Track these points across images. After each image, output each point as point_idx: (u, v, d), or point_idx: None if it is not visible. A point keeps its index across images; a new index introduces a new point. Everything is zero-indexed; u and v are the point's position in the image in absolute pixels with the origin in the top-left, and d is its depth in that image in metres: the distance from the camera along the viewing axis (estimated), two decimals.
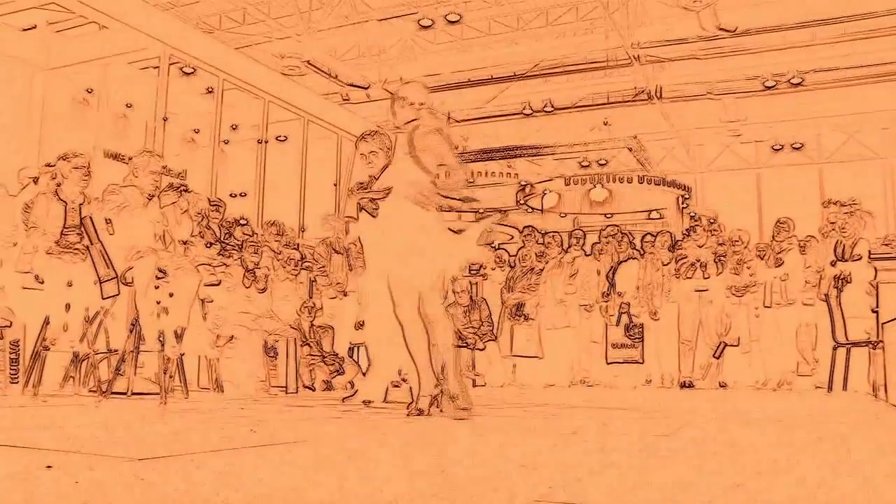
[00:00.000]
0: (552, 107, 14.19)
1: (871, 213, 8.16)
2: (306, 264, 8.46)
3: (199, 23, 12.52)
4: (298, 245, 8.78)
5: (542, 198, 14.90)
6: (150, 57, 10.57)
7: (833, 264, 8.08)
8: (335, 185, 13.69)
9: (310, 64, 12.32)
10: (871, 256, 7.27)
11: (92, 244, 5.66)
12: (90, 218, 5.73)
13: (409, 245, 4.69)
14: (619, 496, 1.99)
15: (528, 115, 14.39)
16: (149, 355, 5.83)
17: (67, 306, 5.56)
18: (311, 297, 8.31)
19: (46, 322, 5.58)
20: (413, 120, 4.64)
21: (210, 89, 11.51)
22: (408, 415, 4.49)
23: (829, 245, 8.25)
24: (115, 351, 5.74)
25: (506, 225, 15.27)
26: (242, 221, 8.61)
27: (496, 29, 13.68)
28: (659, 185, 14.74)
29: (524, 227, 10.61)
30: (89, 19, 9.87)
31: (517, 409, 5.48)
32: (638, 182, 14.61)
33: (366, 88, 13.51)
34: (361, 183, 5.29)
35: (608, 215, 14.71)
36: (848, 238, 8.06)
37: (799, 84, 12.60)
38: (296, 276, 8.08)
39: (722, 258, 9.16)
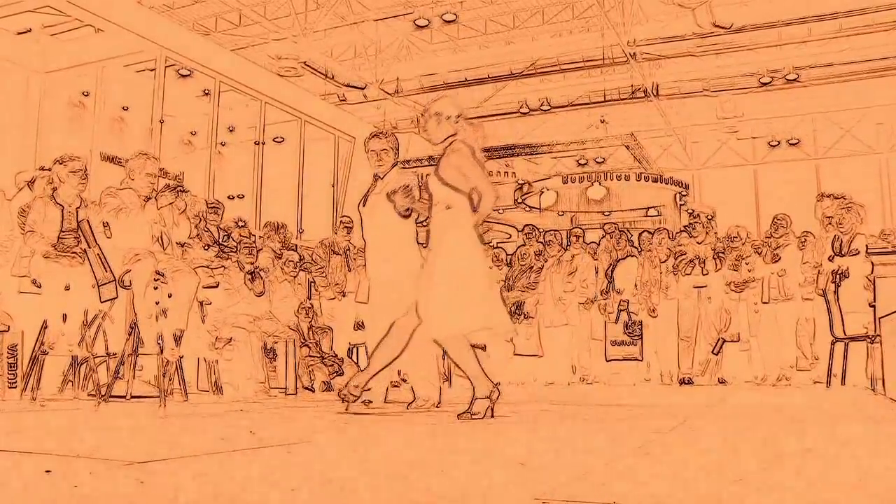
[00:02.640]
0: (549, 105, 14.21)
1: (862, 206, 8.16)
2: (305, 265, 8.46)
3: (196, 25, 12.53)
4: (297, 246, 8.78)
5: (540, 196, 14.92)
6: (146, 59, 10.56)
7: (831, 259, 8.09)
8: (332, 185, 13.69)
9: (306, 65, 12.32)
10: (869, 251, 7.28)
11: (89, 247, 5.65)
12: (87, 221, 5.72)
13: None
14: (618, 493, 1.99)
15: (525, 113, 14.41)
16: (148, 358, 5.83)
17: (64, 317, 5.55)
18: (309, 298, 8.31)
19: (44, 326, 5.57)
20: (452, 135, 4.65)
21: (206, 91, 11.50)
22: (458, 417, 4.44)
23: (827, 240, 8.26)
24: (114, 354, 5.74)
25: (504, 223, 15.30)
26: (240, 223, 8.61)
27: (492, 28, 13.70)
28: (656, 182, 14.76)
29: (524, 226, 10.62)
30: (85, 22, 9.86)
31: (517, 407, 5.48)
32: (635, 179, 14.63)
33: (362, 89, 13.51)
34: (407, 187, 5.34)
35: (606, 213, 14.73)
36: (846, 233, 8.07)
37: (794, 80, 12.62)
38: (294, 277, 8.08)
39: (721, 255, 9.17)
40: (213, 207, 8.04)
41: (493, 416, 4.32)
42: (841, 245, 8.05)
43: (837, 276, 7.87)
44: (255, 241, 7.93)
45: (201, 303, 6.41)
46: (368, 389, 5.01)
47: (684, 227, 10.06)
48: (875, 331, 7.06)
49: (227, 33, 12.83)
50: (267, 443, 3.11)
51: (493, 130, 16.17)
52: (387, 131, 5.76)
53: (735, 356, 9.06)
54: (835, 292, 7.86)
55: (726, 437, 3.47)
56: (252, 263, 7.49)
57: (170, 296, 5.66)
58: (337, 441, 3.26)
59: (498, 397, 4.40)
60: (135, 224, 5.81)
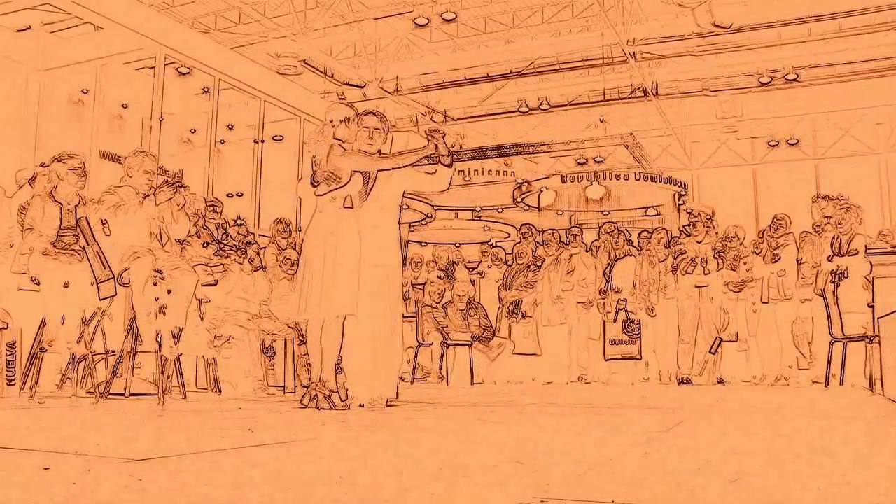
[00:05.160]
0: (548, 104, 14.20)
1: (859, 207, 8.17)
2: None
3: (195, 23, 12.51)
4: (295, 244, 8.77)
5: (539, 195, 14.91)
6: (145, 57, 10.55)
7: (830, 259, 8.09)
8: None
9: (306, 63, 12.31)
10: (868, 251, 7.29)
11: (88, 245, 5.65)
12: (86, 219, 5.72)
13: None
14: (616, 492, 1.99)
15: (524, 112, 14.40)
16: (146, 356, 5.83)
17: (63, 318, 5.55)
18: None
19: (43, 323, 5.57)
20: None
21: (206, 89, 11.50)
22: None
23: (826, 240, 8.26)
24: (113, 352, 5.74)
25: (502, 222, 15.31)
26: (239, 221, 8.61)
27: (492, 27, 13.68)
28: (655, 181, 14.76)
29: (521, 225, 10.62)
30: (84, 20, 9.85)
31: (514, 406, 5.48)
32: (634, 179, 14.63)
33: (362, 87, 13.50)
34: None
35: (605, 212, 14.73)
36: (845, 233, 8.07)
37: (794, 80, 12.61)
38: (293, 275, 8.08)
39: (721, 254, 9.17)
40: (213, 205, 8.04)
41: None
42: (840, 245, 8.06)
43: (836, 277, 7.88)
44: (254, 240, 7.93)
45: (200, 301, 6.41)
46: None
47: (683, 226, 10.06)
48: (874, 331, 7.06)
49: (227, 31, 12.82)
50: (265, 441, 3.11)
51: (493, 129, 16.19)
52: (382, 112, 5.53)
53: (734, 356, 9.06)
54: (834, 293, 7.87)
55: (725, 436, 3.47)
56: (252, 262, 7.49)
57: (169, 292, 5.66)
58: (335, 439, 3.26)
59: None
60: (133, 221, 5.82)
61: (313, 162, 5.17)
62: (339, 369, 5.20)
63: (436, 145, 5.13)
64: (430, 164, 5.32)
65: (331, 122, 5.22)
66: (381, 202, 5.25)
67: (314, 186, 5.11)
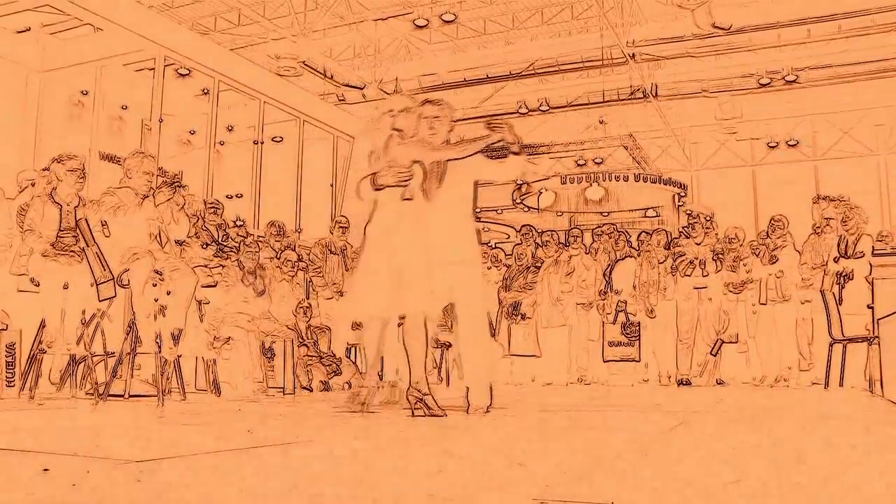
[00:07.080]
0: (548, 105, 14.21)
1: (859, 208, 8.17)
2: (303, 265, 8.46)
3: (195, 24, 12.52)
4: (295, 246, 8.78)
5: (539, 196, 14.92)
6: (145, 59, 10.55)
7: (836, 261, 8.08)
8: (331, 185, 13.68)
9: (305, 65, 12.32)
10: (873, 252, 7.29)
11: (88, 246, 5.65)
12: (85, 220, 5.72)
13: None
14: (616, 494, 1.99)
15: (523, 114, 14.40)
16: (146, 357, 5.83)
17: (63, 314, 5.55)
18: (307, 298, 8.31)
19: (42, 325, 5.57)
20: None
21: (205, 91, 11.50)
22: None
23: (825, 241, 8.26)
24: (112, 353, 5.74)
25: (502, 224, 15.31)
26: (239, 223, 8.62)
27: (491, 28, 13.70)
28: (655, 183, 14.77)
29: (521, 226, 10.62)
30: (84, 21, 9.85)
31: (514, 408, 5.48)
32: (634, 180, 14.64)
33: (361, 89, 13.51)
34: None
35: (605, 213, 14.73)
36: (851, 232, 8.05)
37: (793, 81, 12.62)
38: (293, 277, 8.08)
39: (720, 256, 9.17)
40: (213, 207, 8.04)
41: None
42: (846, 246, 8.05)
43: (841, 279, 7.88)
44: (257, 241, 7.93)
45: (199, 302, 6.41)
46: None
47: (682, 228, 10.06)
48: (873, 332, 7.06)
49: (226, 32, 12.83)
50: (264, 442, 3.11)
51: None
52: (441, 99, 4.97)
53: (733, 357, 9.06)
54: (836, 294, 7.87)
55: (724, 437, 3.47)
56: (253, 262, 7.50)
57: (168, 293, 5.66)
58: (335, 441, 3.26)
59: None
60: (133, 222, 5.82)
61: (370, 156, 4.75)
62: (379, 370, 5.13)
63: (501, 135, 4.64)
64: (494, 155, 4.84)
65: (390, 111, 4.86)
66: (451, 194, 4.81)
67: (377, 188, 4.63)
